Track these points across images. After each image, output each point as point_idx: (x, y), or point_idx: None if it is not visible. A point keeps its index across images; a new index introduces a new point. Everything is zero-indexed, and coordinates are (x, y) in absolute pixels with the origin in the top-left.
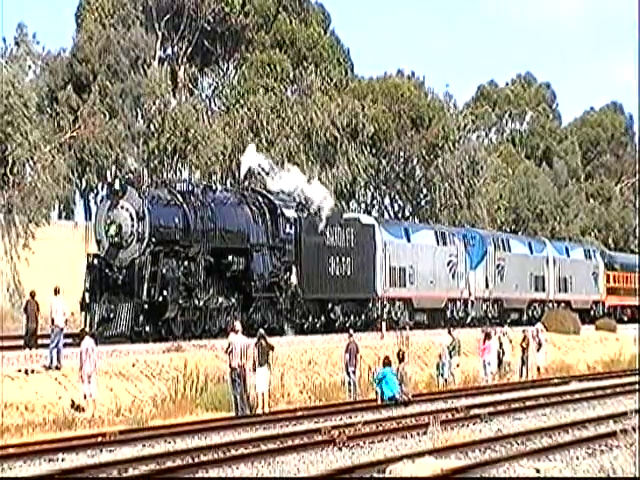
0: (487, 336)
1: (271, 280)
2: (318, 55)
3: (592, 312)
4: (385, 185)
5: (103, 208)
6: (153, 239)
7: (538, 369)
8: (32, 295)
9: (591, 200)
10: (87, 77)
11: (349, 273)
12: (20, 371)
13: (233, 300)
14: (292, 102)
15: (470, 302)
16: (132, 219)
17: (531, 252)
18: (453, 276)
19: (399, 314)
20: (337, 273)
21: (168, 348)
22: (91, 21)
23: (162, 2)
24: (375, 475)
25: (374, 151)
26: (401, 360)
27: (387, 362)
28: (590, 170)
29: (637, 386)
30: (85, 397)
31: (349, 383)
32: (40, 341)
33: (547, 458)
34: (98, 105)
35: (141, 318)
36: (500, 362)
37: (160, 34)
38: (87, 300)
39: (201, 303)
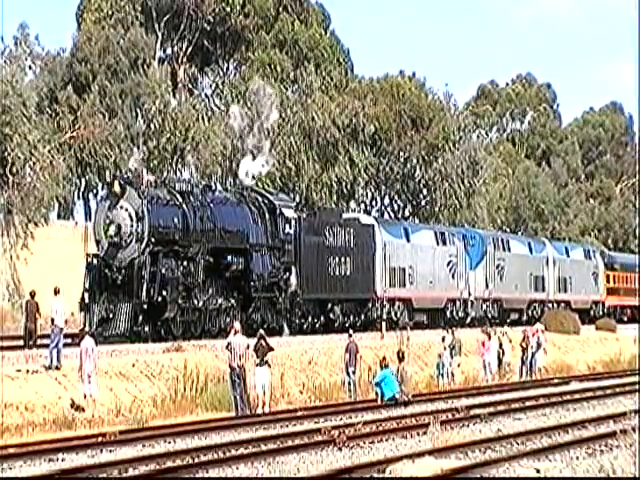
0: (487, 336)
1: (270, 280)
2: (319, 55)
3: (592, 312)
4: (385, 185)
5: (102, 208)
6: (152, 239)
7: (538, 369)
8: (32, 295)
9: (591, 200)
10: (87, 77)
11: (349, 273)
12: (20, 371)
13: (232, 300)
14: (292, 102)
15: (470, 302)
16: (131, 219)
17: (531, 252)
18: (453, 276)
19: (399, 314)
20: (337, 273)
21: (168, 348)
22: (91, 21)
23: (162, 2)
24: (375, 475)
25: (374, 151)
26: (401, 360)
27: (385, 364)
28: (590, 170)
29: (637, 386)
30: (85, 397)
31: (349, 383)
32: (40, 341)
33: (547, 458)
34: (98, 105)
35: (140, 318)
36: (500, 362)
37: (160, 34)
38: (86, 300)
39: (200, 303)
